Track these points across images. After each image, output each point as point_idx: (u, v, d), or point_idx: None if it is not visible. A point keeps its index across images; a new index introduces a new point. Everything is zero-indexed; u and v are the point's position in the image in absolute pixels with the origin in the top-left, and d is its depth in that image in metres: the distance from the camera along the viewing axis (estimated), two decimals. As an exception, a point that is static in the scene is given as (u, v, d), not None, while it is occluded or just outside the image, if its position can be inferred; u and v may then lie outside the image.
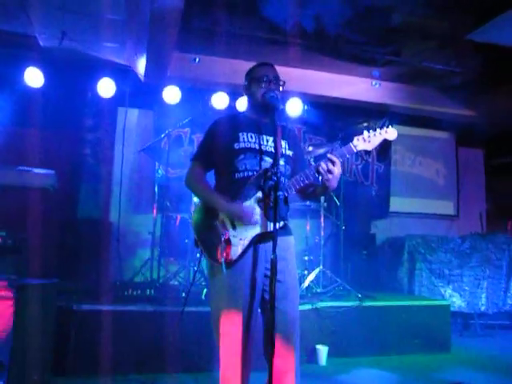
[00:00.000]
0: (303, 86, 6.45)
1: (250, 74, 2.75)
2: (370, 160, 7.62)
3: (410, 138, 7.95)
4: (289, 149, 2.68)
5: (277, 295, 2.23)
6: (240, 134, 2.62)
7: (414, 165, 8.07)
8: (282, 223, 2.52)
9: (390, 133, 2.63)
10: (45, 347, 3.47)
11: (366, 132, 2.56)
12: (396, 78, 6.85)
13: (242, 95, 6.13)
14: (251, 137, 2.62)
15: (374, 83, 6.85)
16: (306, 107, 6.38)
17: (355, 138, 2.55)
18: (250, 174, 2.55)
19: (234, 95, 6.20)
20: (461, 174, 8.32)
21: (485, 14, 4.90)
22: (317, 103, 6.76)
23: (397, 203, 7.76)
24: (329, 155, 2.48)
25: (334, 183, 2.51)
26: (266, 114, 2.63)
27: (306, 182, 2.53)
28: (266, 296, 2.51)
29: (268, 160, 2.58)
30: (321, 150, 5.70)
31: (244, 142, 2.60)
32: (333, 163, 2.46)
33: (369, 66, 6.49)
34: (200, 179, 2.69)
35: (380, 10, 5.04)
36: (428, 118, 7.60)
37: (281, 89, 2.68)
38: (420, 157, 8.11)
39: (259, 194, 2.50)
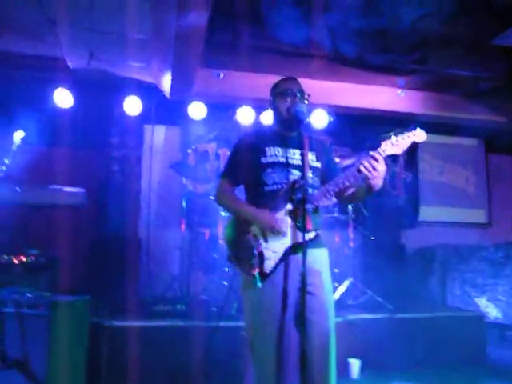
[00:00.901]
0: (328, 97, 6.45)
1: (274, 89, 2.78)
2: (397, 170, 7.53)
3: (438, 145, 7.85)
4: (316, 160, 2.69)
5: (310, 308, 2.22)
6: (267, 148, 2.64)
7: (443, 173, 7.95)
8: (313, 234, 2.51)
9: (419, 135, 2.54)
10: (78, 364, 3.51)
11: (393, 136, 2.50)
12: (422, 86, 6.78)
13: (267, 109, 6.16)
14: (278, 151, 2.65)
15: (399, 92, 6.79)
16: (331, 119, 6.35)
17: (383, 143, 2.49)
18: (279, 187, 2.56)
19: (258, 109, 6.22)
20: (491, 181, 8.16)
21: (510, 18, 4.84)
22: (342, 114, 6.72)
23: (426, 212, 7.65)
24: (371, 152, 2.43)
25: (379, 182, 2.46)
26: (292, 127, 2.66)
27: (347, 183, 2.48)
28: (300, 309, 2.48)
29: (295, 173, 2.58)
30: (347, 162, 5.69)
31: (271, 156, 2.63)
32: (376, 160, 2.41)
33: (394, 75, 6.44)
34: (229, 193, 2.72)
35: (403, 18, 5.01)
36: (456, 125, 7.48)
37: (306, 102, 2.68)
38: (448, 164, 7.99)
39: (289, 207, 2.50)
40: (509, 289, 6.16)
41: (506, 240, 6.91)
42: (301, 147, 2.62)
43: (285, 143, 2.68)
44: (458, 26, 5.18)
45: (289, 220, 2.49)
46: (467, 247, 6.56)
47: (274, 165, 2.60)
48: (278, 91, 2.74)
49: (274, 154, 2.63)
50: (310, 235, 2.48)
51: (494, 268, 6.27)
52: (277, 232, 2.47)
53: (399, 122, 7.31)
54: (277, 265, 2.46)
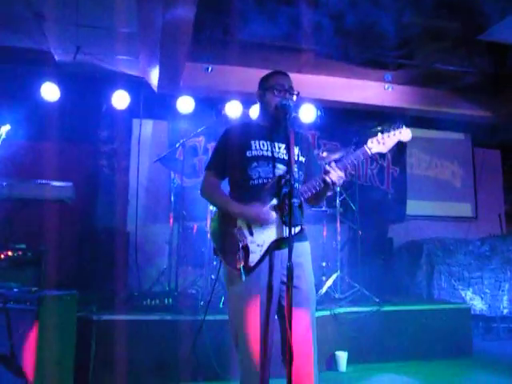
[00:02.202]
0: (316, 91, 6.46)
1: (264, 82, 2.75)
2: (385, 164, 7.59)
3: (425, 140, 7.91)
4: (301, 155, 2.68)
5: (294, 301, 2.24)
6: (252, 141, 2.63)
7: (430, 167, 8.01)
8: (298, 228, 2.52)
9: (404, 133, 2.61)
10: (66, 358, 3.51)
11: (380, 134, 2.55)
12: (409, 80, 6.83)
13: (256, 103, 6.15)
14: (263, 144, 2.63)
15: (386, 87, 6.84)
16: (319, 113, 6.36)
17: (369, 141, 2.53)
18: (265, 181, 2.55)
19: (247, 103, 6.22)
20: (478, 175, 8.24)
21: (496, 14, 4.87)
22: (330, 108, 6.74)
23: (413, 206, 7.71)
24: (328, 167, 2.48)
25: (339, 185, 2.55)
26: (279, 121, 2.63)
27: (314, 191, 2.52)
28: (283, 302, 2.48)
29: (281, 167, 2.58)
30: (335, 156, 5.70)
31: (256, 149, 2.61)
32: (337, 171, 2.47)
33: (381, 70, 6.48)
34: (215, 188, 2.71)
35: (390, 12, 5.03)
36: (443, 119, 7.54)
37: (294, 98, 2.68)
38: (436, 159, 8.05)
39: (274, 201, 2.51)
40: (494, 282, 6.25)
41: (492, 234, 7.01)
42: (286, 141, 2.59)
43: (270, 137, 2.66)
44: (444, 21, 5.21)
45: (274, 214, 2.50)
46: (454, 241, 6.63)
47: (259, 158, 2.59)
48: (267, 85, 2.70)
49: (260, 147, 2.62)
50: (296, 229, 2.48)
51: (480, 261, 6.35)
52: (265, 224, 2.48)
53: (386, 116, 7.37)
54: (261, 258, 2.47)
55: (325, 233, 5.86)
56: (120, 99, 6.02)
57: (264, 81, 2.76)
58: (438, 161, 8.05)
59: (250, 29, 5.32)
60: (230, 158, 2.65)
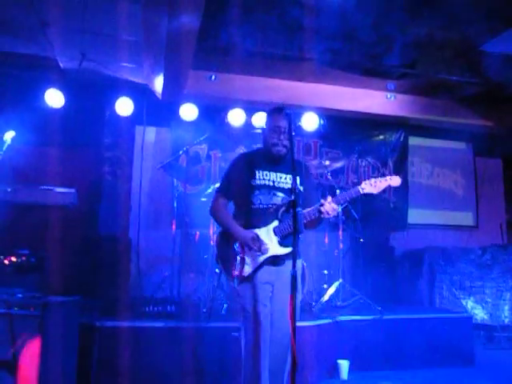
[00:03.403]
0: (318, 100, 6.49)
1: (267, 118, 3.10)
2: (386, 172, 7.59)
3: (427, 149, 7.93)
4: (300, 184, 2.94)
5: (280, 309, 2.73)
6: (256, 171, 3.03)
7: (432, 176, 8.02)
8: (289, 249, 2.85)
9: (394, 180, 3.04)
10: (68, 364, 3.52)
11: (372, 179, 2.99)
12: (411, 90, 6.85)
13: (258, 111, 6.19)
14: (266, 174, 3.04)
15: (389, 96, 6.86)
16: (321, 121, 6.39)
17: (363, 183, 2.96)
18: (265, 206, 2.98)
19: (250, 111, 6.25)
20: (479, 184, 8.24)
21: (499, 25, 4.91)
22: (332, 117, 6.78)
23: (415, 215, 7.71)
24: (324, 201, 2.87)
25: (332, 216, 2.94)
26: (278, 156, 3.04)
27: (309, 219, 2.90)
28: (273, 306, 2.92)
29: (280, 195, 3.00)
30: (338, 164, 5.74)
31: (260, 179, 3.01)
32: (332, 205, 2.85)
33: (383, 79, 6.51)
34: (222, 209, 3.12)
35: (393, 22, 5.07)
36: (444, 129, 7.58)
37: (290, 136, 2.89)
38: (437, 168, 8.07)
39: (275, 223, 2.94)
40: (496, 291, 6.25)
41: (493, 243, 7.01)
42: (288, 171, 2.98)
43: (273, 167, 3.06)
44: (447, 32, 5.24)
45: (273, 235, 2.92)
46: (455, 250, 6.63)
47: (261, 187, 3.00)
48: (268, 124, 3.05)
49: (263, 177, 3.02)
50: (287, 251, 2.89)
51: (481, 270, 6.35)
52: (254, 249, 2.88)
53: (389, 125, 7.41)
54: (254, 271, 2.89)
55: (327, 241, 5.87)
56: (124, 106, 6.05)
57: (268, 116, 3.12)
58: (440, 170, 8.06)
59: (254, 38, 5.37)
60: (237, 185, 3.07)
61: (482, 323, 6.13)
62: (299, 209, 2.53)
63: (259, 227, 2.95)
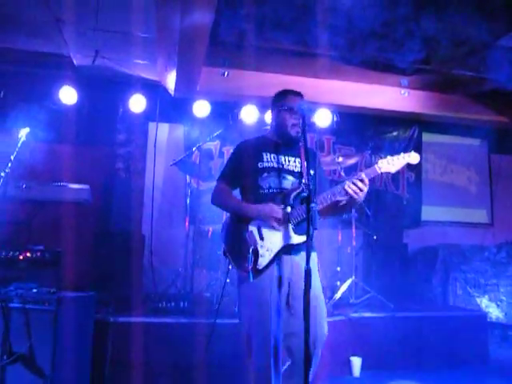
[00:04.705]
0: (332, 96, 6.46)
1: (281, 100, 2.88)
2: (400, 169, 7.55)
3: (441, 145, 7.86)
4: (311, 168, 2.79)
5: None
6: (264, 153, 2.82)
7: (446, 173, 7.96)
8: (303, 238, 2.61)
9: (413, 157, 2.81)
10: (83, 359, 3.55)
11: (389, 156, 2.76)
12: (425, 86, 6.80)
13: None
14: (274, 157, 2.83)
15: (402, 92, 6.80)
16: (335, 118, 6.36)
17: (379, 161, 2.74)
18: (274, 191, 2.74)
19: (262, 108, 6.23)
20: (494, 181, 8.15)
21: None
22: (346, 113, 6.73)
23: (429, 212, 7.65)
24: (361, 175, 2.62)
25: (361, 198, 2.66)
26: (291, 139, 2.83)
27: (333, 199, 2.67)
28: (291, 300, 2.67)
29: (290, 178, 2.79)
30: (351, 161, 5.71)
31: (267, 161, 2.80)
32: (361, 181, 2.60)
33: (397, 75, 6.46)
34: (226, 193, 2.87)
35: (407, 17, 5.02)
36: (459, 125, 7.49)
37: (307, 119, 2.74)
38: (451, 164, 8.00)
39: (288, 209, 2.66)
40: (511, 289, 6.18)
41: (508, 240, 6.93)
42: (296, 155, 2.81)
43: (281, 151, 2.85)
44: (462, 27, 5.19)
45: (284, 215, 2.65)
46: (469, 247, 6.58)
47: (270, 170, 2.78)
48: (284, 105, 2.83)
49: (271, 159, 2.81)
50: (301, 239, 2.64)
51: (496, 268, 6.29)
52: (278, 222, 2.62)
53: (402, 121, 7.35)
54: (270, 262, 2.62)
55: (340, 238, 5.85)
56: (137, 103, 6.08)
57: (278, 99, 2.91)
58: (454, 166, 7.99)
59: (267, 34, 5.35)
60: (243, 169, 2.83)
61: (496, 322, 6.07)
62: (313, 204, 2.37)
63: None
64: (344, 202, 2.73)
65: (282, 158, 2.82)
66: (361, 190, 2.60)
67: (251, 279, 2.58)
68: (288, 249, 2.65)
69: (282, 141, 2.87)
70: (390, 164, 2.74)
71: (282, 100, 2.86)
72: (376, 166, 2.73)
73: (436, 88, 6.86)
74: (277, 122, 2.90)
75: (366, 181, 2.61)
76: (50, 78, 5.90)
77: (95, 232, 5.90)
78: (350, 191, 2.60)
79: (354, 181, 2.60)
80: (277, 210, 2.63)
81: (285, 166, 2.80)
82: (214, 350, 4.01)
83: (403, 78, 6.53)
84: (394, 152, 2.79)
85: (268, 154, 2.82)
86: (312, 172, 2.77)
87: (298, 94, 2.86)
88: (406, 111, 7.02)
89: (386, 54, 5.83)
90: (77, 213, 5.31)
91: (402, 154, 2.78)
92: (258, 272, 2.60)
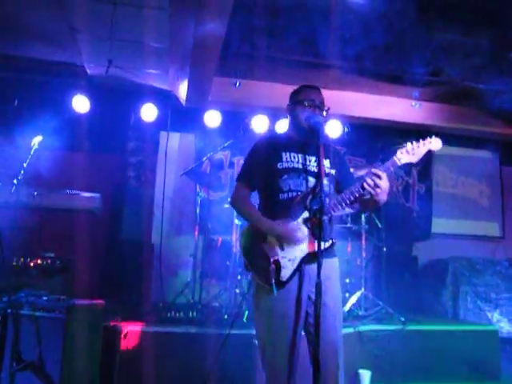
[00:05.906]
0: (343, 107, 6.47)
1: (295, 96, 2.76)
2: (410, 181, 7.52)
3: (452, 158, 7.82)
4: (331, 167, 2.67)
5: (322, 317, 2.23)
6: (283, 153, 2.64)
7: (457, 185, 7.91)
8: (328, 244, 2.50)
9: (435, 143, 2.57)
10: (92, 367, 3.55)
11: (409, 144, 2.52)
12: (437, 98, 6.79)
13: (283, 117, 6.19)
14: (294, 157, 2.63)
15: (414, 104, 6.80)
16: (346, 129, 6.34)
17: (398, 151, 2.50)
18: (295, 194, 2.56)
19: (273, 118, 6.25)
20: (506, 194, 8.09)
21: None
22: (357, 125, 6.72)
23: (439, 224, 7.61)
24: (373, 170, 2.44)
25: (383, 197, 2.49)
26: (309, 135, 2.61)
27: (352, 198, 2.48)
28: (310, 319, 2.49)
29: (312, 180, 2.58)
30: (361, 172, 5.67)
31: (287, 161, 2.61)
32: (378, 177, 2.41)
33: (409, 87, 6.46)
34: (245, 201, 2.71)
35: (419, 28, 5.02)
36: (470, 137, 7.47)
37: (324, 114, 2.68)
38: (462, 177, 7.95)
39: (306, 215, 2.50)
40: (522, 304, 6.11)
41: (521, 254, 6.86)
42: (316, 154, 2.52)
43: (301, 149, 2.67)
44: (474, 38, 5.18)
45: (305, 228, 2.49)
46: (480, 260, 6.51)
47: (290, 170, 2.59)
48: (300, 98, 2.71)
49: (291, 159, 2.62)
50: (326, 244, 2.48)
51: (508, 282, 6.22)
52: (296, 241, 2.48)
53: (413, 133, 7.30)
54: (293, 273, 2.47)
55: (349, 249, 5.82)
56: (148, 112, 6.12)
57: (295, 94, 2.77)
58: (465, 179, 7.95)
59: (278, 45, 5.38)
60: (261, 170, 2.65)
61: (508, 337, 5.98)
62: (325, 217, 2.29)
63: (289, 220, 2.51)
64: (368, 196, 2.53)
65: (302, 158, 2.63)
66: (378, 187, 2.41)
67: (275, 292, 2.43)
68: (311, 257, 2.46)
69: (301, 138, 2.69)
70: (411, 154, 2.49)
71: (296, 95, 2.75)
72: (395, 157, 2.49)
73: (448, 100, 6.84)
74: (292, 118, 2.75)
75: (384, 176, 2.41)
76: (63, 86, 5.95)
77: (106, 240, 5.93)
78: (367, 188, 2.42)
79: (372, 177, 2.41)
80: (294, 229, 2.48)
81: (306, 167, 2.61)
82: (223, 360, 3.98)
83: (415, 89, 6.53)
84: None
85: (288, 153, 2.63)
86: (333, 171, 2.66)
87: (313, 88, 2.73)
88: (417, 123, 7.00)
89: (397, 65, 5.84)
90: (87, 221, 5.33)
91: (421, 140, 2.54)
92: (281, 284, 2.45)
